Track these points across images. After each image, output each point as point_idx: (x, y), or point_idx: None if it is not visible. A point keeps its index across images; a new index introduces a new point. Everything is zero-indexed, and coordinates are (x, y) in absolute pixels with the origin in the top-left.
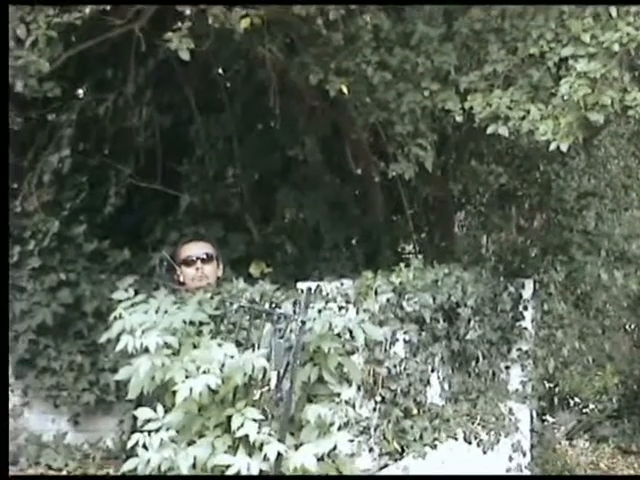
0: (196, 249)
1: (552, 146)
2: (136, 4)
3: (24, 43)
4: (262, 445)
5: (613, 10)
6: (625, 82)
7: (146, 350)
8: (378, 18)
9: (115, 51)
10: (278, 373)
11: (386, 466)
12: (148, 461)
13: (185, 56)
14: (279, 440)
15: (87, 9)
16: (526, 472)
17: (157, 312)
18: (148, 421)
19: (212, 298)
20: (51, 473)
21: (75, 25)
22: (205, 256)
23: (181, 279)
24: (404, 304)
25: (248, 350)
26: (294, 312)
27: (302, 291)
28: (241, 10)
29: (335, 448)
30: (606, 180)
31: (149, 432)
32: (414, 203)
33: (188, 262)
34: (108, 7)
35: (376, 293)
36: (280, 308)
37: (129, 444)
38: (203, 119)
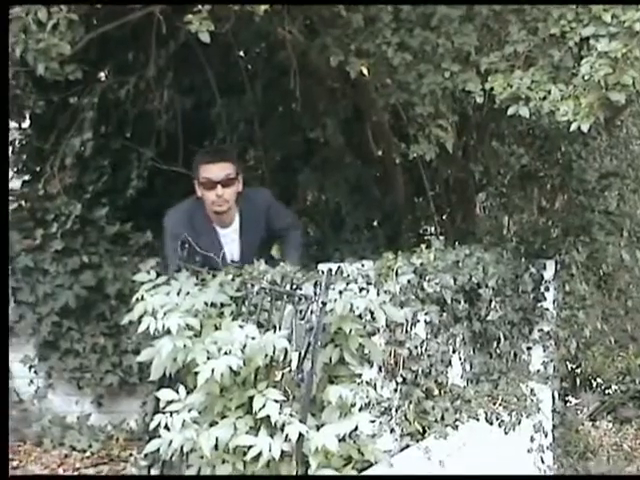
0: (217, 171)
1: (573, 126)
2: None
3: (45, 26)
4: (284, 426)
5: None
6: None
7: (168, 332)
8: None
9: (136, 34)
10: (299, 354)
11: (407, 447)
12: (170, 442)
13: (205, 38)
14: (300, 421)
15: None
16: (548, 453)
17: (179, 294)
18: (170, 402)
19: (233, 280)
20: (75, 454)
21: (96, 8)
22: (226, 179)
23: (199, 194)
24: (425, 285)
25: (269, 331)
26: (315, 293)
27: (323, 272)
28: None
29: (356, 429)
30: (628, 160)
31: (171, 413)
32: (435, 184)
33: (207, 185)
34: None
35: (397, 274)
36: (301, 289)
37: (152, 425)
38: (224, 101)
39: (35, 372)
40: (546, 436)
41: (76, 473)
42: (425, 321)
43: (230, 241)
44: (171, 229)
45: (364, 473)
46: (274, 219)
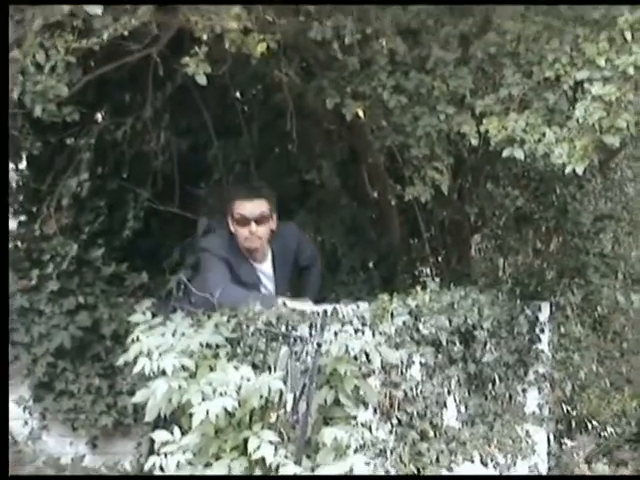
0: (251, 208)
1: (568, 169)
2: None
3: (43, 68)
4: (278, 467)
5: (628, 34)
6: None
7: (163, 373)
8: (393, 42)
9: (133, 76)
10: (294, 395)
11: None
12: None
13: (202, 81)
14: (295, 463)
15: (105, 34)
16: None
17: (174, 335)
18: (165, 443)
19: (229, 321)
20: None
21: (93, 50)
22: (260, 217)
23: (231, 229)
24: (420, 327)
25: (265, 373)
26: (310, 335)
27: (318, 314)
28: (257, 35)
29: (352, 471)
30: (622, 203)
31: (166, 454)
32: (430, 226)
33: (241, 222)
34: (126, 32)
35: (392, 316)
36: (296, 330)
37: (146, 467)
38: (220, 143)
39: (30, 413)
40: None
41: None
42: (420, 363)
43: (265, 276)
44: (216, 251)
45: None
46: (301, 254)
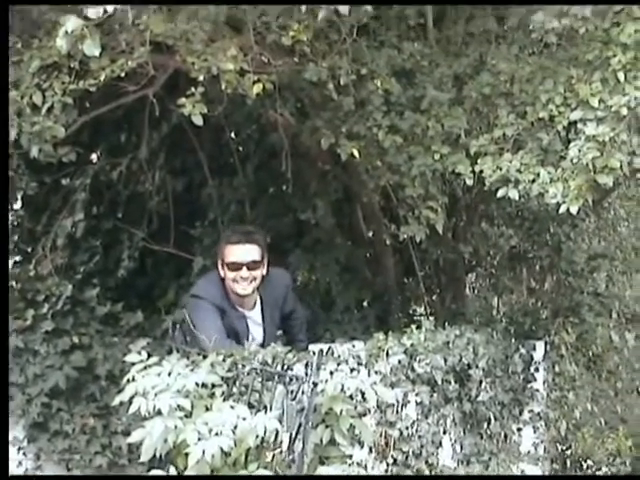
0: (243, 254)
1: (562, 208)
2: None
3: (40, 109)
4: None
5: (621, 74)
6: (634, 145)
7: (159, 413)
8: (388, 83)
9: (129, 116)
10: (290, 435)
11: None
12: None
13: (198, 121)
14: None
15: (102, 76)
16: None
17: (170, 375)
18: None
19: (224, 360)
20: None
21: (90, 91)
22: (252, 263)
23: (222, 275)
24: (415, 366)
25: (260, 412)
26: (306, 374)
27: (314, 353)
28: (253, 75)
29: None
30: (616, 242)
31: None
32: (425, 265)
33: (232, 267)
34: (122, 74)
35: (387, 355)
36: (292, 370)
37: None
38: (216, 183)
39: (24, 454)
40: None
41: None
42: (416, 402)
43: (253, 324)
44: (209, 299)
45: None
46: (288, 301)
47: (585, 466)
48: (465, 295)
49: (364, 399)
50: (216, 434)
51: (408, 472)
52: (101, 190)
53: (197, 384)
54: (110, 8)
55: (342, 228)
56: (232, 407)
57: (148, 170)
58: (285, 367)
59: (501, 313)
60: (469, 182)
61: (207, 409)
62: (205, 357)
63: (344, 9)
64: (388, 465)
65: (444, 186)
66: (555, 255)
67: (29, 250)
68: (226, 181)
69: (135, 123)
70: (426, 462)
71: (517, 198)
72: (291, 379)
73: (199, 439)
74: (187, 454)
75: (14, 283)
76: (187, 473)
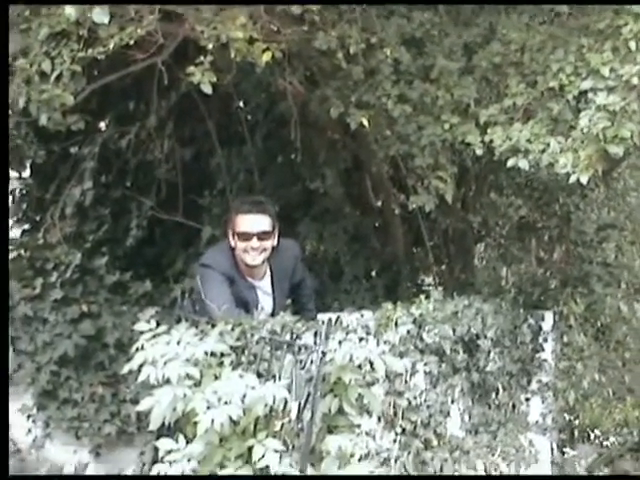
0: (253, 224)
1: (572, 179)
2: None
3: (49, 77)
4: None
5: (632, 43)
6: None
7: (168, 381)
8: (398, 52)
9: (137, 84)
10: (299, 404)
11: None
12: None
13: (207, 90)
14: (300, 471)
15: (111, 44)
16: None
17: (179, 343)
18: (169, 452)
19: (233, 329)
20: None
21: (98, 59)
22: (263, 233)
23: (232, 244)
24: (424, 336)
25: (269, 381)
26: (315, 343)
27: (323, 322)
28: (262, 44)
29: None
30: (625, 212)
31: (170, 463)
32: (434, 235)
33: (243, 237)
34: (131, 42)
35: (396, 325)
36: (301, 339)
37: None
38: (224, 152)
39: (33, 421)
40: None
41: None
42: (424, 371)
43: (263, 294)
44: (219, 268)
45: None
46: (297, 272)
47: (592, 436)
48: (474, 265)
49: (372, 369)
50: (225, 403)
51: (416, 441)
52: (110, 158)
53: (206, 353)
54: None
55: (351, 198)
56: (241, 376)
57: (157, 139)
58: (294, 336)
59: (510, 283)
60: (479, 152)
61: (216, 378)
62: (214, 326)
63: None
64: (396, 434)
65: (453, 156)
66: (564, 225)
67: (38, 219)
68: (235, 150)
69: (144, 91)
70: (434, 432)
71: (527, 168)
72: (300, 348)
73: (208, 408)
74: (196, 423)
75: (23, 251)
76: (196, 442)
